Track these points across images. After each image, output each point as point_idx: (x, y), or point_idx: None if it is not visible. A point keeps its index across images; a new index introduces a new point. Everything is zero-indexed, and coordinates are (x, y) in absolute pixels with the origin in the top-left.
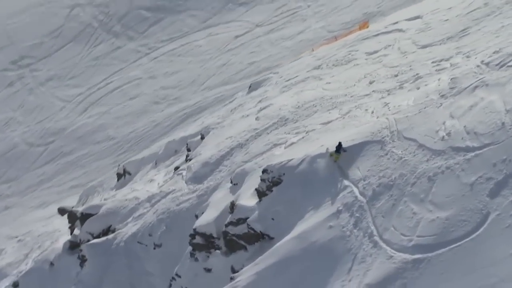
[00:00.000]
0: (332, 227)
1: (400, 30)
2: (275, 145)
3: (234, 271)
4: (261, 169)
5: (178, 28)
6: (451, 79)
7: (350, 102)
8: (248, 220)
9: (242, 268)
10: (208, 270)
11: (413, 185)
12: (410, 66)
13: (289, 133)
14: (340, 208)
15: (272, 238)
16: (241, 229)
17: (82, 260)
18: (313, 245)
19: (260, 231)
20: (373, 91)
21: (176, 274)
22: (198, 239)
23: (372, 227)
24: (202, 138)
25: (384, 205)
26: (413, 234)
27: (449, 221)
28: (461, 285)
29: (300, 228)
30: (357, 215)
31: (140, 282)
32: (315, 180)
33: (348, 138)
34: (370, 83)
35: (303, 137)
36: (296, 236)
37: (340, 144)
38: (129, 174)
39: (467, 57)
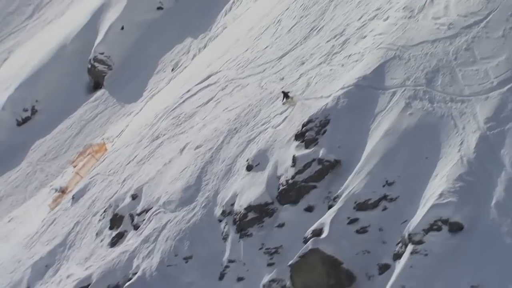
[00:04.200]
0: (412, 114)
1: (212, 84)
2: (249, 141)
3: (310, 209)
4: (289, 135)
5: None
6: (403, 8)
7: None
8: (320, 156)
9: (317, 204)
10: (281, 225)
11: (456, 59)
12: (302, 58)
13: (252, 130)
14: (408, 101)
15: (340, 164)
16: (311, 171)
17: None
18: (406, 131)
19: (334, 159)
20: (300, 74)
21: (229, 261)
22: (251, 215)
23: (449, 96)
24: (134, 197)
25: (443, 81)
26: (489, 79)
27: (510, 58)
28: None
29: (380, 130)
30: (427, 96)
31: None
32: (360, 104)
33: (363, 69)
34: (281, 79)
35: (293, 109)
36: (384, 134)
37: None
38: None
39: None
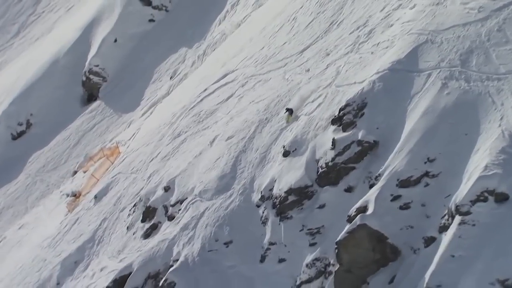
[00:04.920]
0: (449, 93)
1: (230, 82)
2: (282, 129)
3: (350, 189)
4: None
5: None
6: None
7: (315, 78)
8: (359, 138)
9: (357, 184)
10: (322, 207)
11: (488, 40)
12: (326, 50)
13: (284, 119)
14: (444, 81)
15: (378, 145)
16: (350, 152)
17: None
18: (445, 109)
19: (373, 140)
20: (327, 64)
21: (270, 243)
22: (291, 198)
23: (485, 75)
24: (167, 189)
25: (478, 61)
26: None
27: None
28: None
29: (419, 110)
30: (463, 76)
31: (228, 275)
32: (396, 87)
33: (396, 53)
34: (307, 70)
35: (325, 96)
36: (422, 113)
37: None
38: None
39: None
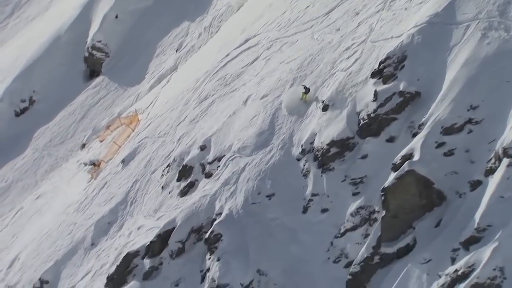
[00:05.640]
0: (490, 43)
1: (253, 46)
2: (318, 86)
3: (392, 139)
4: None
5: None
6: None
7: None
8: (401, 89)
9: (399, 135)
10: (364, 157)
11: None
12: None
13: (319, 76)
14: (483, 32)
15: (420, 96)
16: (392, 103)
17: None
18: (486, 58)
19: (415, 91)
20: (358, 23)
21: (312, 194)
22: (333, 150)
23: None
24: (203, 148)
25: None
26: None
27: None
28: None
29: (459, 60)
30: (502, 26)
31: (272, 227)
32: (435, 39)
33: (433, 7)
34: (337, 30)
35: (361, 52)
36: (464, 63)
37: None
38: (47, 282)
39: None
